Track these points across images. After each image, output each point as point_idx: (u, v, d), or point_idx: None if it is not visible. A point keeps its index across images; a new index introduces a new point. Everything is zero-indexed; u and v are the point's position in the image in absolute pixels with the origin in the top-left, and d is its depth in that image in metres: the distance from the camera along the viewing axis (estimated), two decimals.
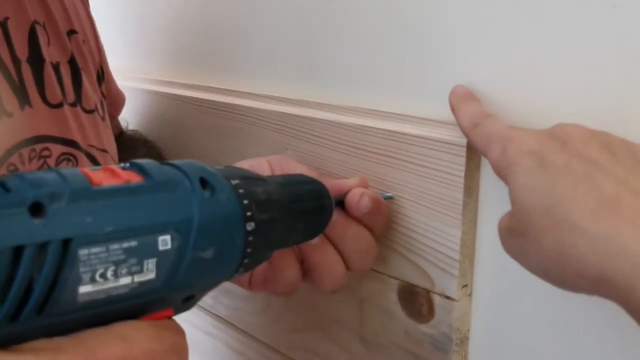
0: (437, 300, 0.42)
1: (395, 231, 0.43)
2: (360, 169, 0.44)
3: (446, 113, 0.40)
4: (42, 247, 0.23)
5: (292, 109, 0.50)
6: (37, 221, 0.24)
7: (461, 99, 0.38)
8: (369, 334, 0.47)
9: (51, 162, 0.44)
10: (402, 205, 0.42)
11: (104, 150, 0.49)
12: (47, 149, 0.43)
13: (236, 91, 0.56)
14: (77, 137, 0.46)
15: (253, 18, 0.54)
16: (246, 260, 0.32)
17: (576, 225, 0.27)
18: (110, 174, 0.27)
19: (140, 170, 0.29)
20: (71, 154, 0.46)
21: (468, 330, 0.42)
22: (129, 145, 0.62)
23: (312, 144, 0.48)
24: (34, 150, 0.42)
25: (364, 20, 0.45)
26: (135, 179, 0.28)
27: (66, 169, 0.26)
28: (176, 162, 0.31)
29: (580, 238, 0.27)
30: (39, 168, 0.42)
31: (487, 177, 0.39)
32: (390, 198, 0.42)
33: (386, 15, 0.44)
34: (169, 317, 0.30)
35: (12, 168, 0.40)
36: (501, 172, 0.32)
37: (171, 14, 0.64)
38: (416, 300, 0.43)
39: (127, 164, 0.29)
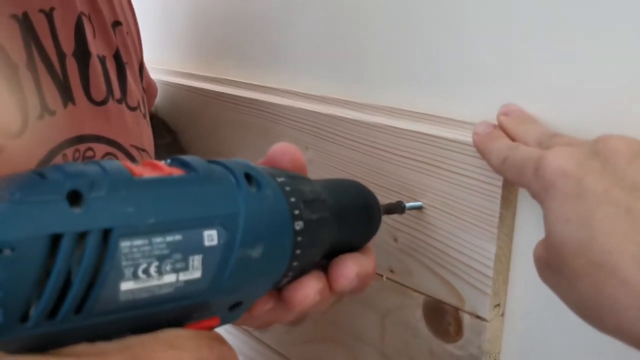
0: (466, 319, 0.39)
1: (424, 243, 0.40)
2: (388, 174, 0.41)
3: (486, 116, 0.37)
4: (81, 237, 0.22)
5: (316, 106, 0.47)
6: (75, 210, 0.22)
7: (486, 140, 0.34)
8: (390, 351, 0.44)
9: None
10: (432, 215, 0.39)
11: (143, 150, 0.47)
12: (90, 149, 0.41)
13: (257, 85, 0.54)
14: (119, 135, 0.44)
15: (280, 12, 0.52)
16: (295, 264, 0.30)
17: (614, 272, 0.24)
18: (152, 168, 0.26)
19: (183, 164, 0.27)
20: (113, 154, 0.44)
21: (499, 353, 0.39)
22: (154, 129, 0.60)
23: (336, 145, 0.45)
24: (77, 150, 0.40)
25: (399, 15, 0.42)
26: (177, 172, 0.27)
27: (107, 161, 0.25)
28: (220, 160, 0.29)
29: (620, 288, 0.24)
30: None
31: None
32: (420, 207, 0.39)
33: (424, 11, 0.41)
34: (215, 327, 0.29)
35: None
36: (538, 197, 0.29)
37: (194, 3, 0.62)
38: (443, 319, 0.40)
39: (169, 160, 0.28)
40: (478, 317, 0.38)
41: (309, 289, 0.31)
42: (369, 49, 0.45)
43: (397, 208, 0.39)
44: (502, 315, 0.39)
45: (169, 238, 0.24)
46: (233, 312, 0.29)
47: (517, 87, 0.36)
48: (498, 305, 0.38)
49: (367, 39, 0.45)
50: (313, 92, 0.49)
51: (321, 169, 0.46)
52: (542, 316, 0.37)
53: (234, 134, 0.55)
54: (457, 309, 0.39)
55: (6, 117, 0.35)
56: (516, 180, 0.31)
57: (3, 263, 0.21)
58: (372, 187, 0.41)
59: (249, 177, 0.28)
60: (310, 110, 0.46)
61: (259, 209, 0.28)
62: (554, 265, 0.28)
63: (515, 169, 0.31)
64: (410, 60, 0.42)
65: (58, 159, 0.38)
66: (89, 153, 0.41)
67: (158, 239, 0.24)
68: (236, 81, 0.56)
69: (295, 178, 0.31)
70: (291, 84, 0.51)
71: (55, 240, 0.22)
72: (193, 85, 0.59)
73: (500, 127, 0.35)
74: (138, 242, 0.23)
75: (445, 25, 0.39)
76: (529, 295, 0.37)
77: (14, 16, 0.37)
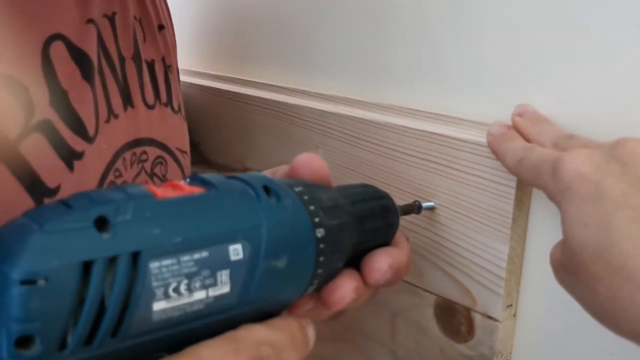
0: (478, 319, 0.38)
1: (435, 243, 0.40)
2: (399, 174, 0.41)
3: (498, 116, 0.36)
4: (111, 261, 0.23)
5: (326, 105, 0.47)
6: (103, 235, 0.23)
7: (501, 140, 0.34)
8: (400, 350, 0.44)
9: (147, 166, 0.42)
10: (443, 216, 0.39)
11: (185, 152, 0.48)
12: (145, 152, 0.42)
13: (267, 84, 0.54)
14: (167, 138, 0.45)
15: (293, 13, 0.51)
16: (319, 271, 0.30)
17: (632, 276, 0.24)
18: (173, 188, 0.27)
19: (202, 182, 0.28)
20: (163, 157, 0.44)
21: (510, 354, 0.39)
22: None
23: (346, 144, 0.45)
24: (134, 154, 0.40)
25: (411, 14, 0.42)
26: (197, 190, 0.27)
27: (129, 185, 0.26)
28: (237, 174, 0.30)
29: (637, 292, 0.24)
30: (138, 173, 0.41)
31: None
32: (432, 208, 0.39)
33: (435, 11, 0.40)
34: None
35: (117, 174, 0.38)
36: (555, 199, 0.29)
37: (205, 2, 0.61)
38: (454, 318, 0.40)
39: (188, 179, 0.29)
40: (490, 317, 0.38)
41: (345, 290, 0.32)
42: (380, 48, 0.44)
43: (414, 208, 0.39)
44: (514, 315, 0.38)
45: (196, 255, 0.25)
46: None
47: (529, 87, 0.36)
48: (510, 305, 0.38)
49: (378, 39, 0.44)
50: (323, 92, 0.48)
51: (331, 168, 0.45)
52: (554, 316, 0.37)
53: (244, 133, 0.54)
54: (468, 309, 0.39)
55: (87, 121, 0.35)
56: (532, 182, 0.31)
57: (38, 294, 0.21)
58: (382, 187, 0.41)
59: (267, 189, 0.29)
60: (320, 110, 0.46)
61: (279, 219, 0.28)
62: (571, 268, 0.27)
63: (532, 170, 0.30)
64: (421, 59, 0.42)
65: (119, 163, 0.38)
66: (144, 156, 0.41)
67: (186, 257, 0.24)
68: (245, 80, 0.56)
69: (312, 187, 0.31)
70: (301, 83, 0.51)
71: (87, 267, 0.22)
72: (202, 83, 0.59)
73: (515, 127, 0.35)
74: (167, 262, 0.24)
75: (457, 24, 0.39)
76: (541, 295, 0.37)
77: (91, 21, 0.37)
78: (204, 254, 0.25)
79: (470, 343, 0.39)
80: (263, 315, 0.29)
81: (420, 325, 0.42)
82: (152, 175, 0.42)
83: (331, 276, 0.32)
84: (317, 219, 0.30)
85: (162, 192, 0.26)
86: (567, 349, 0.37)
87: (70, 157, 0.34)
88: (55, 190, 0.33)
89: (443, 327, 0.41)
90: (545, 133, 0.33)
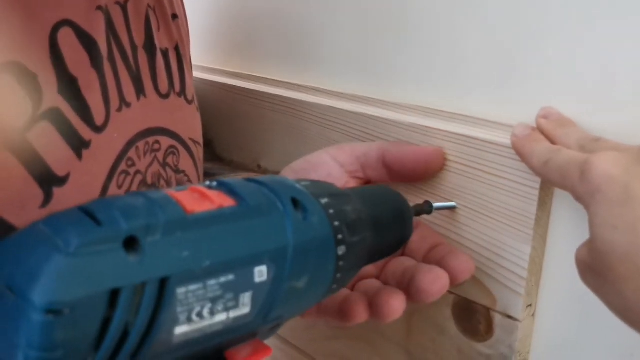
0: (497, 319, 0.39)
1: (456, 243, 0.40)
2: None
3: (522, 118, 0.37)
4: (139, 287, 0.22)
5: (346, 104, 0.47)
6: (132, 258, 0.22)
7: (525, 141, 0.34)
8: (416, 349, 0.44)
9: (160, 156, 0.42)
10: (466, 216, 0.39)
11: (198, 143, 0.47)
12: (157, 142, 0.41)
13: (282, 82, 0.54)
14: (180, 128, 0.45)
15: (310, 9, 0.52)
16: (334, 287, 0.30)
17: None
18: (200, 197, 0.26)
19: (230, 191, 0.27)
20: (175, 147, 0.44)
21: (528, 353, 0.39)
22: None
23: None
24: (147, 143, 0.40)
25: (431, 14, 0.42)
26: (227, 202, 0.26)
27: (153, 192, 0.25)
28: (263, 179, 0.29)
29: None
30: (150, 163, 0.40)
31: (560, 190, 0.36)
32: (453, 207, 0.39)
33: (457, 10, 0.41)
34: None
35: (130, 163, 0.38)
36: (583, 201, 0.29)
37: None
38: (473, 318, 0.40)
39: (214, 183, 0.28)
40: (510, 317, 0.38)
41: (445, 282, 0.35)
42: (400, 47, 0.45)
43: (425, 208, 0.39)
44: (533, 315, 0.39)
45: (222, 279, 0.24)
46: (270, 332, 0.29)
47: (553, 89, 0.36)
48: (530, 305, 0.38)
49: (398, 38, 0.45)
50: (343, 91, 0.48)
51: None
52: (572, 316, 0.37)
53: (258, 131, 0.54)
54: (488, 309, 0.39)
55: (95, 110, 0.35)
56: (559, 183, 0.31)
57: (62, 323, 0.20)
58: (403, 188, 0.41)
59: (295, 201, 0.28)
60: (341, 109, 0.46)
61: (305, 238, 0.27)
62: (597, 270, 0.28)
63: (559, 172, 0.31)
64: (444, 60, 0.42)
65: (132, 152, 0.38)
66: (156, 146, 0.41)
67: (212, 282, 0.24)
68: (260, 77, 0.56)
69: (337, 197, 0.31)
70: (318, 81, 0.51)
71: (114, 293, 0.21)
72: (216, 80, 0.59)
73: (540, 129, 0.35)
74: (193, 287, 0.23)
75: (480, 24, 0.39)
76: (560, 295, 0.38)
77: (100, 7, 0.36)
78: (230, 277, 0.24)
79: (488, 342, 0.39)
80: (272, 327, 0.29)
81: (437, 324, 0.42)
82: (164, 165, 0.42)
83: (343, 287, 0.32)
84: (340, 236, 0.29)
85: (189, 204, 0.25)
86: (586, 349, 0.37)
87: (80, 145, 0.34)
88: (65, 179, 0.32)
89: (461, 326, 0.41)
90: (571, 135, 0.34)
